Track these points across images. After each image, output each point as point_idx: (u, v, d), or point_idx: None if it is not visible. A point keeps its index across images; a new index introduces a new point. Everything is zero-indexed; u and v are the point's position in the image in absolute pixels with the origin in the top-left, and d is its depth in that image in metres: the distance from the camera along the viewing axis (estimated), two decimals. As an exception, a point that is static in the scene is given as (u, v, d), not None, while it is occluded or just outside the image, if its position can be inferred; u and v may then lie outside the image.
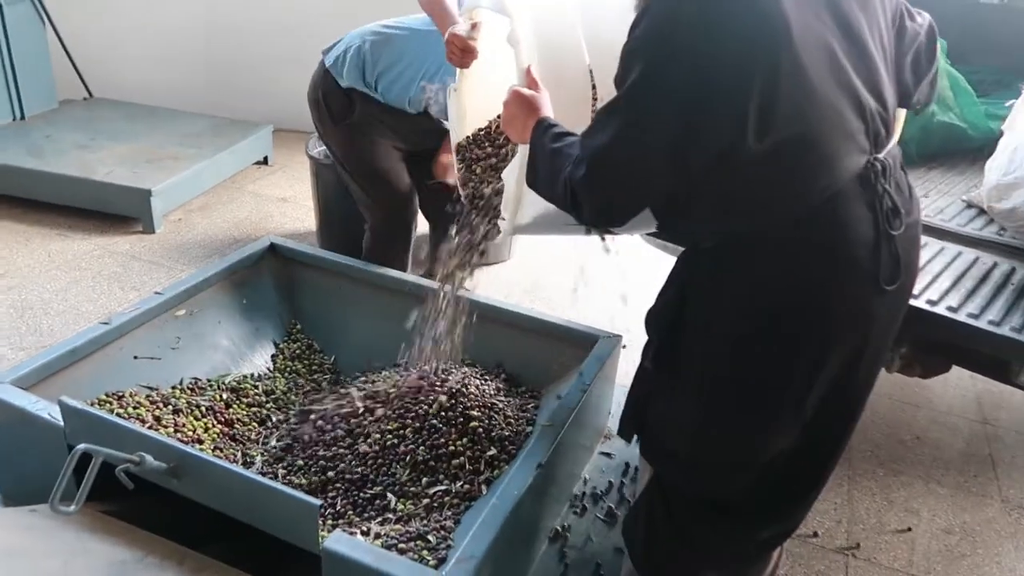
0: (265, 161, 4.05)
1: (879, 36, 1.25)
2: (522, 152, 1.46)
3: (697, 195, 1.20)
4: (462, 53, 1.82)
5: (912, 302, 1.73)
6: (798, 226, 1.18)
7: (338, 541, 1.39)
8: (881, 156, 1.22)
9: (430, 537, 1.54)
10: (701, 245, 1.29)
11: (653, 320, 1.40)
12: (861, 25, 1.20)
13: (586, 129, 1.24)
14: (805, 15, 1.12)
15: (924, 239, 2.02)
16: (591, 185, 1.19)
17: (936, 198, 2.27)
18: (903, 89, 1.36)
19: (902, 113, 1.54)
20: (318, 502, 1.37)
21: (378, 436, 1.82)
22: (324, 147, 3.11)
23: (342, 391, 2.04)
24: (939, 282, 1.79)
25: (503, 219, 1.69)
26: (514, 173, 1.59)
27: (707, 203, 1.21)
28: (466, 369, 2.06)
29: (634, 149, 1.16)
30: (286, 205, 3.66)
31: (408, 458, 1.77)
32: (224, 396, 2.02)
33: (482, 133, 1.86)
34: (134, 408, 1.86)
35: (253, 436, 1.96)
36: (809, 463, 1.39)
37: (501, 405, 1.92)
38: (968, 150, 2.51)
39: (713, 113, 1.10)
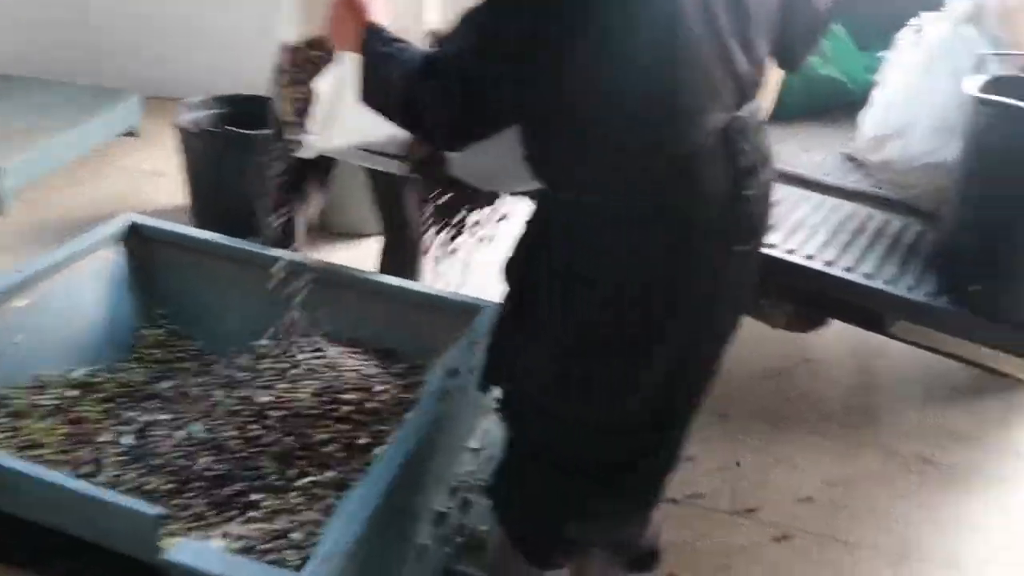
0: (133, 133, 3.76)
1: None
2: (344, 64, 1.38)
3: (550, 134, 1.16)
4: None
5: (790, 257, 1.73)
6: (652, 183, 1.15)
7: (182, 551, 1.28)
8: (743, 114, 1.19)
9: (294, 535, 1.45)
10: (560, 196, 1.24)
11: (509, 268, 1.36)
12: None
13: (439, 38, 1.21)
14: None
15: (804, 193, 2.03)
16: (441, 94, 1.14)
17: (816, 152, 2.27)
18: (778, 47, 1.31)
19: (775, 71, 1.51)
20: (156, 511, 1.26)
21: (239, 426, 1.69)
22: (192, 115, 2.92)
23: (202, 380, 1.89)
24: (816, 236, 1.80)
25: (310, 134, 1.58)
26: (328, 83, 1.47)
27: (560, 147, 1.18)
28: (340, 348, 1.95)
29: (487, 60, 1.12)
30: (160, 179, 3.41)
31: (275, 448, 1.65)
32: (72, 393, 1.85)
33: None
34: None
35: (107, 436, 1.80)
36: (668, 421, 1.38)
37: (377, 386, 1.82)
38: (848, 103, 2.52)
39: (562, 41, 1.06)
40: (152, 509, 1.25)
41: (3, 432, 1.66)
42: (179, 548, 1.28)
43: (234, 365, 1.98)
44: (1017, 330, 1.54)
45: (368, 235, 3.04)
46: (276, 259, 2.11)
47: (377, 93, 1.26)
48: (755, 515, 1.95)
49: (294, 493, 1.58)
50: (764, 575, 1.80)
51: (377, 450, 1.61)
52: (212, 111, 3.00)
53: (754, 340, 2.56)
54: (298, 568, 1.34)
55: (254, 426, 1.69)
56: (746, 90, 1.19)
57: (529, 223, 1.34)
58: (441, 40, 1.20)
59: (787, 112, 2.44)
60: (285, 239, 2.43)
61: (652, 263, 1.19)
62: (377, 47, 1.24)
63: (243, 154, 2.71)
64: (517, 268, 1.34)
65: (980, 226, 1.56)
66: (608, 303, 1.23)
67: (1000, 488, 2.10)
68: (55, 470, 1.59)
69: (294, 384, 1.76)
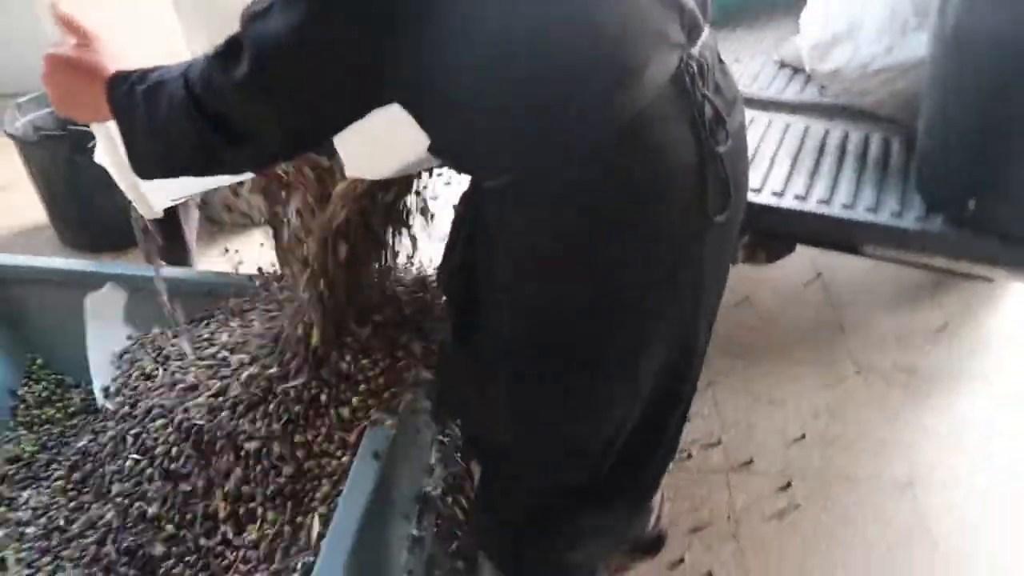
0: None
1: None
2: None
3: (438, 117, 0.88)
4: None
5: (756, 199, 1.54)
6: (598, 156, 0.87)
7: None
8: (695, 51, 0.91)
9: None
10: (484, 183, 0.95)
11: (443, 285, 1.13)
12: None
13: (248, 14, 0.84)
14: None
15: (748, 114, 1.82)
16: (263, 90, 0.84)
17: (748, 62, 2.06)
18: None
19: None
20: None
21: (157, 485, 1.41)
22: (27, 118, 2.47)
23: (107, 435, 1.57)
24: (777, 167, 1.60)
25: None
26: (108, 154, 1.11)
27: (461, 131, 0.89)
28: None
29: (333, 34, 0.80)
30: (6, 194, 2.93)
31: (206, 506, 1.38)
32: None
33: None
34: None
35: (2, 529, 1.49)
36: (664, 413, 1.16)
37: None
38: (768, 1, 2.33)
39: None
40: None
41: None
42: None
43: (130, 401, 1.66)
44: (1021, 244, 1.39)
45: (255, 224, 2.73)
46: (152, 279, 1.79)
47: (161, 152, 0.93)
48: (751, 468, 1.82)
49: (243, 550, 1.32)
50: (777, 532, 1.67)
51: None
52: (47, 109, 2.53)
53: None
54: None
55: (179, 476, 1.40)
56: (695, 19, 0.92)
57: (453, 228, 1.08)
58: (254, 16, 0.83)
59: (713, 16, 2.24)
60: (172, 246, 2.11)
61: (618, 257, 0.93)
62: (137, 99, 0.90)
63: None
64: (455, 278, 1.09)
65: (968, 133, 1.36)
66: (568, 310, 0.97)
67: (985, 383, 2.04)
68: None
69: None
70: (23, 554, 1.45)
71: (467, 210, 1.05)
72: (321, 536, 1.27)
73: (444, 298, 1.15)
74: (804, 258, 2.48)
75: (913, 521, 1.69)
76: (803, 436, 1.90)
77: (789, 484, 1.77)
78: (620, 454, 1.14)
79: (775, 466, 1.82)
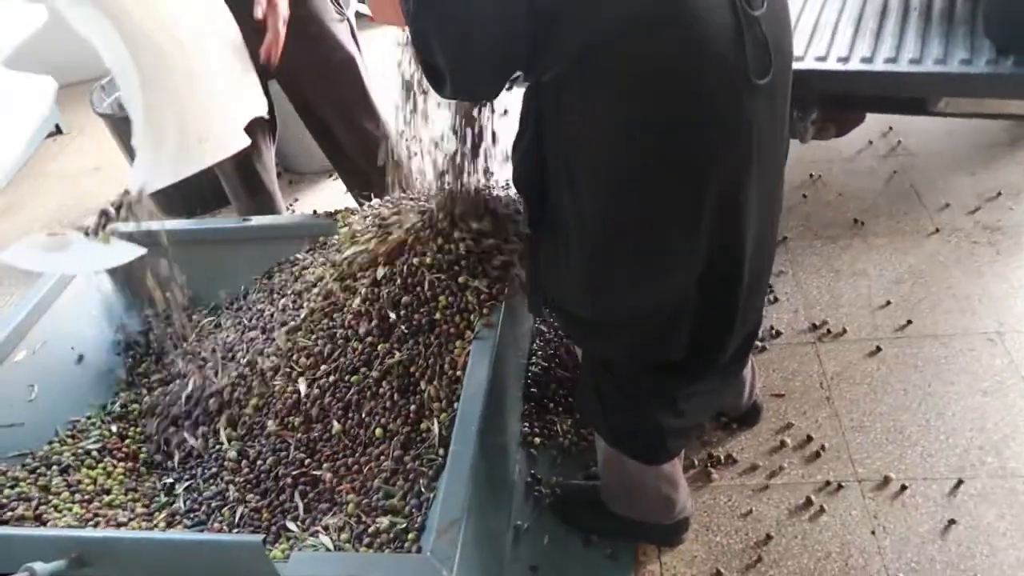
0: (58, 130, 3.45)
1: None
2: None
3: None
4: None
5: (822, 66, 1.55)
6: (643, 24, 0.93)
7: (302, 562, 1.19)
8: None
9: (397, 503, 1.36)
10: (543, 77, 1.03)
11: (515, 174, 1.20)
12: None
13: None
14: None
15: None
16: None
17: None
18: None
19: None
20: (258, 538, 1.15)
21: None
22: (112, 97, 2.64)
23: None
24: (841, 33, 1.61)
25: None
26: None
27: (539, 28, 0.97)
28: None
29: None
30: (101, 174, 3.15)
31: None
32: (114, 428, 1.73)
33: None
34: (11, 487, 1.56)
35: (170, 463, 1.68)
36: (728, 285, 1.22)
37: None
38: None
39: None
40: (253, 538, 1.15)
41: (61, 491, 1.55)
42: (297, 562, 1.19)
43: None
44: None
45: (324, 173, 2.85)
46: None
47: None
48: (839, 338, 1.87)
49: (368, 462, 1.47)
50: (868, 395, 1.74)
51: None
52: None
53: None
54: (416, 540, 1.26)
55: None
56: None
57: (521, 121, 1.16)
58: None
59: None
60: (259, 198, 2.26)
61: (665, 117, 1.00)
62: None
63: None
64: (527, 173, 1.18)
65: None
66: (626, 177, 1.05)
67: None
68: (128, 508, 1.52)
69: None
70: (198, 480, 1.65)
71: (530, 104, 1.12)
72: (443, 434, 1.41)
73: (517, 189, 1.22)
74: (872, 130, 2.46)
75: (1005, 369, 1.73)
76: (888, 303, 1.94)
77: (879, 349, 1.83)
78: (696, 333, 1.21)
79: (862, 333, 1.88)
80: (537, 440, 1.72)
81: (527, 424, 1.76)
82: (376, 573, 1.16)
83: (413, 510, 1.34)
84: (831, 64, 1.52)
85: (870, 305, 1.94)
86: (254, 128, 1.87)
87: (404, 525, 1.32)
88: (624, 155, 1.04)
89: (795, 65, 1.40)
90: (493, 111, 1.46)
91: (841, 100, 1.63)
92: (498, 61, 1.02)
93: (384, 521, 1.34)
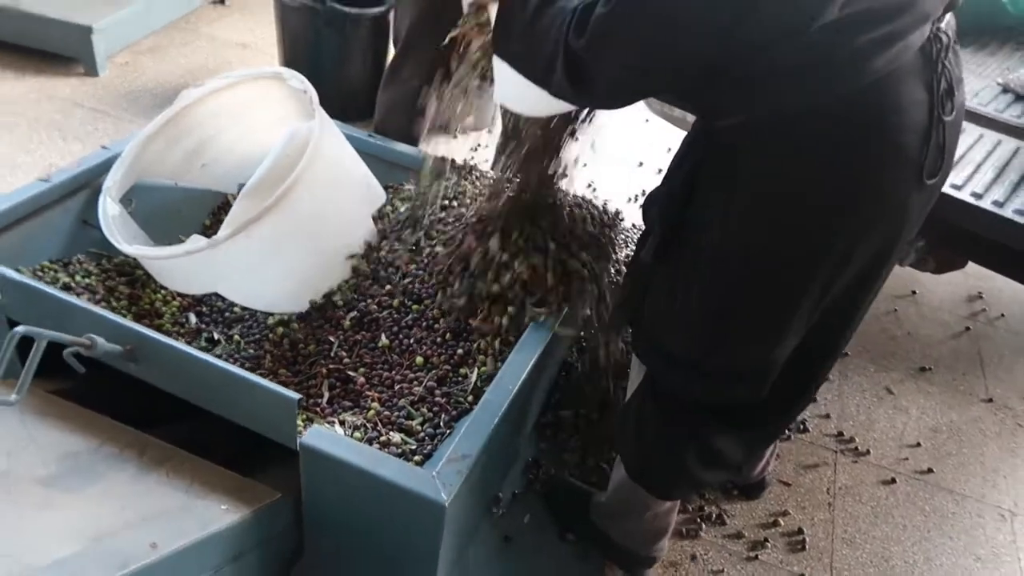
0: (222, 1, 3.65)
1: None
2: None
3: (738, 68, 0.99)
4: None
5: (956, 194, 1.60)
6: (846, 105, 0.99)
7: (318, 437, 1.27)
8: (943, 25, 1.03)
9: (415, 426, 1.43)
10: (719, 122, 1.09)
11: (656, 207, 1.23)
12: None
13: None
14: None
15: (962, 125, 1.88)
16: (607, 47, 0.96)
17: (970, 79, 2.09)
18: None
19: None
20: (296, 396, 1.24)
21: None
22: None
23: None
24: (981, 173, 1.65)
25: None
26: None
27: (746, 76, 1.00)
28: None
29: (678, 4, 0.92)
30: (246, 51, 3.32)
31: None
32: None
33: None
34: (83, 277, 1.67)
35: (230, 313, 1.77)
36: (814, 360, 1.29)
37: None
38: (1002, 27, 2.31)
39: None
40: (291, 393, 1.24)
41: (123, 299, 1.66)
42: (315, 434, 1.27)
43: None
44: None
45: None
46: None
47: (519, 54, 1.09)
48: (861, 456, 1.90)
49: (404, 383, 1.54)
50: (869, 516, 1.77)
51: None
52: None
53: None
54: (420, 464, 1.33)
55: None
56: None
57: (677, 161, 1.20)
58: None
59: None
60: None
61: (837, 191, 1.04)
62: (521, 5, 1.05)
63: (345, 34, 2.60)
64: (670, 208, 1.20)
65: None
66: (778, 244, 1.09)
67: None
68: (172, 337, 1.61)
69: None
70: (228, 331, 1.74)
71: (692, 148, 1.17)
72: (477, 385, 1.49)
73: (649, 217, 1.25)
74: (960, 290, 2.49)
75: (1006, 545, 1.75)
76: (918, 444, 1.96)
77: (894, 480, 1.85)
78: (777, 386, 1.25)
79: (884, 461, 1.90)
80: (549, 432, 1.78)
81: (545, 418, 1.82)
82: (382, 471, 1.23)
83: (426, 437, 1.41)
84: (963, 195, 1.57)
85: (900, 440, 1.97)
86: None
87: (414, 447, 1.38)
88: (786, 219, 1.07)
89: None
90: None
91: (953, 236, 1.67)
92: (669, 79, 1.05)
93: (396, 436, 1.41)
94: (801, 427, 1.94)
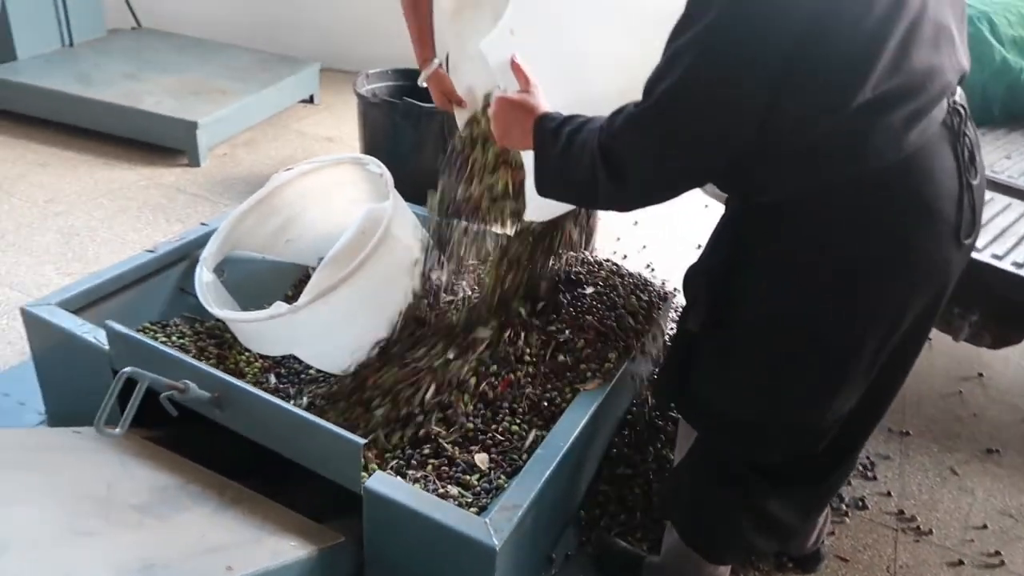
0: (311, 100, 4.00)
1: None
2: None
3: (774, 149, 1.07)
4: (442, 98, 1.87)
5: (997, 263, 1.64)
6: (885, 177, 1.06)
7: (380, 482, 1.36)
8: (958, 99, 1.13)
9: (472, 480, 1.51)
10: (759, 199, 1.16)
11: (699, 281, 1.27)
12: None
13: (650, 75, 1.08)
14: None
15: (1008, 200, 1.93)
16: (653, 126, 1.05)
17: (1017, 159, 2.15)
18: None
19: None
20: (362, 440, 1.34)
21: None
22: (371, 85, 3.06)
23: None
24: (1024, 246, 1.69)
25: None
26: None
27: (781, 157, 1.08)
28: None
29: (717, 92, 1.00)
30: (331, 144, 3.61)
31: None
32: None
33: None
34: (178, 338, 1.85)
35: (305, 375, 1.91)
36: (863, 420, 1.33)
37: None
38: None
39: (826, 58, 0.98)
40: (357, 438, 1.34)
41: (212, 359, 1.82)
42: (378, 479, 1.36)
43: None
44: None
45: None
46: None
47: (559, 185, 1.21)
48: (924, 536, 1.86)
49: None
50: (932, 597, 1.72)
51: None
52: (390, 83, 3.14)
53: (932, 352, 2.47)
54: (478, 513, 1.39)
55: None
56: (963, 70, 1.11)
57: (718, 234, 1.27)
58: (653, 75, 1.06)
59: (988, 117, 2.33)
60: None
61: (882, 260, 1.10)
62: (549, 138, 1.17)
63: (419, 126, 2.83)
64: (708, 282, 1.25)
65: None
66: (825, 314, 1.14)
67: None
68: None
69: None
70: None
71: (733, 222, 1.23)
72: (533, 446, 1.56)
73: (690, 291, 1.29)
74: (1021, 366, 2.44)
75: (1083, 636, 1.66)
76: (985, 526, 1.91)
77: (961, 562, 1.80)
78: (826, 450, 1.29)
79: (948, 542, 1.85)
80: (601, 496, 1.81)
81: (598, 481, 1.86)
82: (438, 515, 1.31)
83: (481, 491, 1.49)
84: (1006, 264, 1.60)
85: (966, 522, 1.92)
86: None
87: (470, 500, 1.46)
88: (836, 286, 1.12)
89: (972, 255, 1.50)
90: None
91: (1005, 308, 1.69)
92: (701, 175, 1.14)
93: (454, 489, 1.49)
94: (860, 504, 1.92)
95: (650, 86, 1.06)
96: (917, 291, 1.14)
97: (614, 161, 1.09)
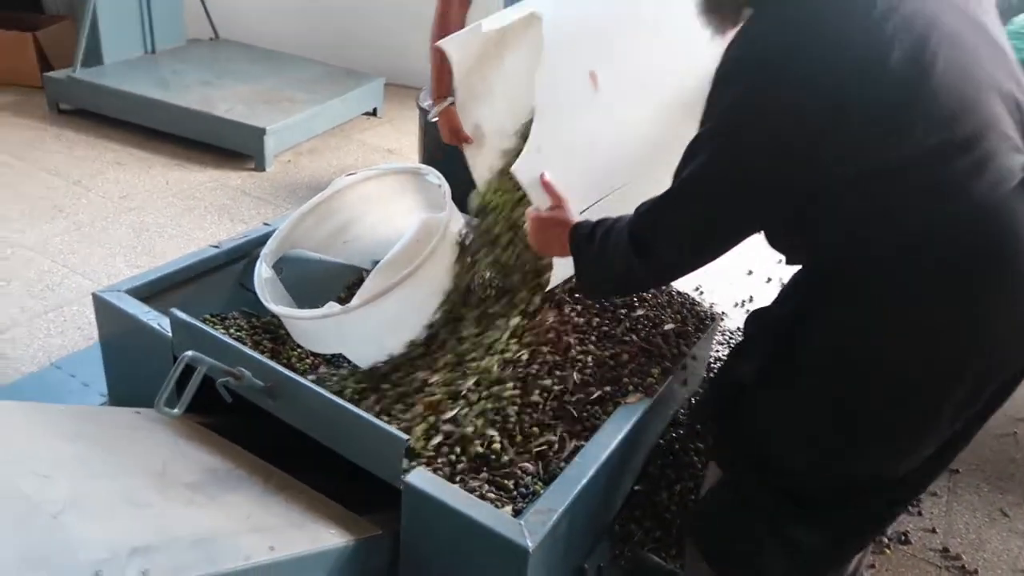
0: (374, 113, 4.12)
1: (993, 16, 1.13)
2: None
3: (822, 212, 1.09)
4: (452, 134, 1.97)
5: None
6: (962, 231, 1.04)
7: (420, 478, 1.40)
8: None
9: (510, 484, 1.53)
10: (823, 266, 1.17)
11: (765, 330, 1.28)
12: (979, 8, 1.11)
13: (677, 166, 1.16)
14: (944, 12, 1.05)
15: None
16: (677, 220, 1.16)
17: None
18: None
19: None
20: (406, 436, 1.38)
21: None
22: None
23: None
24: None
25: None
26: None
27: (834, 219, 1.09)
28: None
29: (736, 174, 1.09)
30: (391, 156, 3.71)
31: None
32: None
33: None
34: (236, 331, 1.92)
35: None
36: (924, 472, 1.27)
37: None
38: None
39: (856, 121, 1.02)
40: (401, 434, 1.38)
41: (266, 353, 1.89)
42: (418, 475, 1.40)
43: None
44: None
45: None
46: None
47: (599, 282, 1.34)
48: (969, 574, 1.81)
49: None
50: (975, 637, 1.68)
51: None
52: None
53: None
54: (515, 516, 1.42)
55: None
56: None
57: (787, 291, 1.27)
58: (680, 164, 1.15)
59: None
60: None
61: (959, 324, 1.07)
62: (585, 244, 1.30)
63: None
64: (775, 332, 1.25)
65: None
66: (895, 386, 1.12)
67: None
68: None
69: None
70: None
71: (803, 284, 1.23)
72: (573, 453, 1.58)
73: (753, 334, 1.31)
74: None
75: None
76: (1034, 570, 1.85)
77: (1004, 604, 1.75)
78: (889, 496, 1.27)
79: (995, 584, 1.81)
80: (637, 512, 1.82)
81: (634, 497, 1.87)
82: (474, 513, 1.34)
83: (518, 495, 1.51)
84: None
85: (1015, 565, 1.86)
86: None
87: (506, 502, 1.48)
88: (902, 357, 1.10)
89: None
90: None
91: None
92: (731, 247, 1.19)
93: (491, 493, 1.52)
94: (903, 538, 1.88)
95: (676, 172, 1.15)
96: (1006, 349, 1.10)
97: (642, 245, 1.20)
